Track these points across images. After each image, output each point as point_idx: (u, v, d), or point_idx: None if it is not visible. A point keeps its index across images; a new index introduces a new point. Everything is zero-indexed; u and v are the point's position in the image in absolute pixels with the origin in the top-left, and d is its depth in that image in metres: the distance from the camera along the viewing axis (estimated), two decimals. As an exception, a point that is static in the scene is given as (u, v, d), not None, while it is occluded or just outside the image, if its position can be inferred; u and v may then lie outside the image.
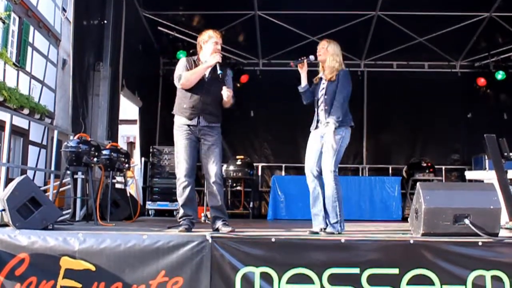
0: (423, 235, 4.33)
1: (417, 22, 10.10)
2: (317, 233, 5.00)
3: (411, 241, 4.17)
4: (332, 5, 9.66)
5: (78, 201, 6.86)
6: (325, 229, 5.11)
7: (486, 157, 10.11)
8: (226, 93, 5.03)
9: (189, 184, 4.97)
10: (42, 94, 14.12)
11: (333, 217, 5.10)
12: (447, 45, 11.04)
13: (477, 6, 9.72)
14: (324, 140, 5.20)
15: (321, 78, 5.42)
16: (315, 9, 9.77)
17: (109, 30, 8.55)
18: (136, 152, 11.16)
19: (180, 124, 5.08)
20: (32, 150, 13.96)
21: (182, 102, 5.10)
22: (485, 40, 10.99)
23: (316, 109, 5.39)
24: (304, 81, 5.42)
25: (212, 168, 5.02)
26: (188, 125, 5.04)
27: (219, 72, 5.01)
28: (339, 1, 9.56)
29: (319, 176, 5.24)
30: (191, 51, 10.86)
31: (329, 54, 5.30)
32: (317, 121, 5.34)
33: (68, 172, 6.28)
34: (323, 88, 5.31)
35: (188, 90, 5.07)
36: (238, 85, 10.96)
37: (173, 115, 5.20)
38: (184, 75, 5.07)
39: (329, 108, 5.20)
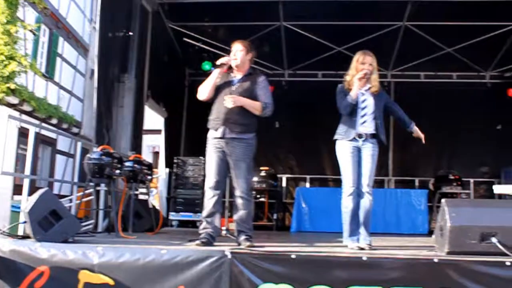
0: (448, 253, 4.20)
1: (445, 32, 9.92)
2: (363, 249, 4.85)
3: (436, 260, 4.03)
4: (358, 16, 9.58)
5: (101, 213, 6.89)
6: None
7: (517, 170, 9.90)
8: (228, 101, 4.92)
9: (214, 196, 4.95)
10: (70, 104, 14.33)
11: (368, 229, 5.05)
12: (476, 55, 10.80)
13: (507, 15, 9.49)
14: (368, 155, 5.12)
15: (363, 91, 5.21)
16: (341, 20, 9.70)
17: (134, 41, 8.61)
18: (161, 162, 11.19)
19: (210, 137, 5.09)
20: (60, 159, 14.16)
21: (210, 114, 5.14)
22: (515, 51, 10.76)
23: (355, 119, 5.15)
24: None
25: (238, 183, 5.00)
26: (215, 138, 5.03)
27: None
28: (366, 12, 9.44)
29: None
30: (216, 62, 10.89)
31: (375, 69, 5.25)
32: (355, 133, 5.12)
33: (91, 183, 6.30)
34: (366, 100, 5.18)
35: (215, 102, 5.10)
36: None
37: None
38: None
39: (379, 121, 5.15)
